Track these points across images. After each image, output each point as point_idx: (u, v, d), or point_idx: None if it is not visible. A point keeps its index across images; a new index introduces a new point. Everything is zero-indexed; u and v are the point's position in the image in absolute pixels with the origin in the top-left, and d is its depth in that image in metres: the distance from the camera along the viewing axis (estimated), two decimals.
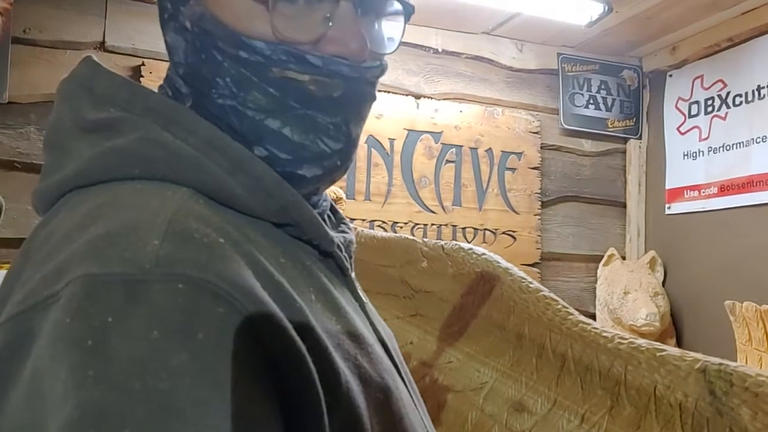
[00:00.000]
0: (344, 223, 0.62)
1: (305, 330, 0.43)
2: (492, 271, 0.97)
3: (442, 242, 1.12)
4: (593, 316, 2.52)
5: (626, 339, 0.78)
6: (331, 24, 0.49)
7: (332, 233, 0.53)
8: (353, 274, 0.58)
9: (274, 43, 0.48)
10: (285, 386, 0.40)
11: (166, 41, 0.54)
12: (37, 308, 0.38)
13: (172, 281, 0.37)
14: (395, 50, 0.55)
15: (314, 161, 0.50)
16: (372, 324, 0.56)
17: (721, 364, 0.67)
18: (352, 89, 0.51)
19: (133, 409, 0.33)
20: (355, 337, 0.49)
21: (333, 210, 0.63)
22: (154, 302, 0.36)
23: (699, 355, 0.71)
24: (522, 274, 0.97)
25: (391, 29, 0.54)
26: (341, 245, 0.55)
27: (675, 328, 2.46)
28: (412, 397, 0.56)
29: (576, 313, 0.87)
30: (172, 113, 0.48)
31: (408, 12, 0.54)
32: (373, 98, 0.54)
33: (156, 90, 0.53)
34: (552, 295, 0.91)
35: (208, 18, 0.50)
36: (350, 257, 0.58)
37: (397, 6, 0.54)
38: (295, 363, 0.41)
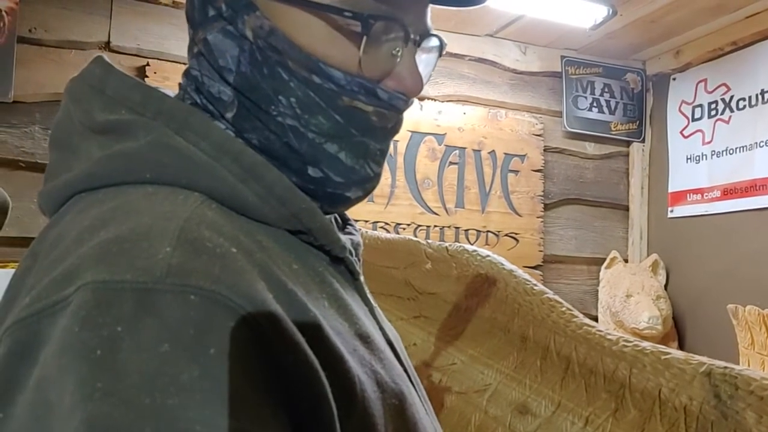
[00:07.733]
0: (350, 224, 0.62)
1: (319, 341, 0.42)
2: (493, 273, 0.97)
3: (446, 244, 1.12)
4: (595, 319, 2.52)
5: (631, 342, 0.78)
6: (398, 61, 0.51)
7: (342, 237, 0.53)
8: (362, 278, 0.57)
9: (351, 75, 0.49)
10: (297, 403, 0.39)
11: (203, 38, 0.51)
12: (45, 313, 0.37)
13: (184, 292, 0.36)
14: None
15: (360, 184, 0.53)
16: (381, 328, 0.55)
17: (726, 367, 0.67)
18: (400, 120, 0.54)
19: (141, 425, 0.32)
20: (368, 342, 0.49)
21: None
22: (165, 314, 0.35)
23: (704, 359, 0.71)
24: (526, 276, 0.97)
25: (424, 64, 0.55)
26: (351, 249, 0.55)
27: (677, 332, 2.46)
28: (421, 401, 0.56)
29: (580, 315, 0.87)
30: (186, 117, 0.47)
31: (443, 47, 0.56)
32: None
33: (165, 91, 0.51)
34: (556, 297, 0.91)
35: (279, 35, 0.49)
36: (359, 260, 0.57)
37: (435, 42, 0.55)
38: (308, 379, 0.40)
